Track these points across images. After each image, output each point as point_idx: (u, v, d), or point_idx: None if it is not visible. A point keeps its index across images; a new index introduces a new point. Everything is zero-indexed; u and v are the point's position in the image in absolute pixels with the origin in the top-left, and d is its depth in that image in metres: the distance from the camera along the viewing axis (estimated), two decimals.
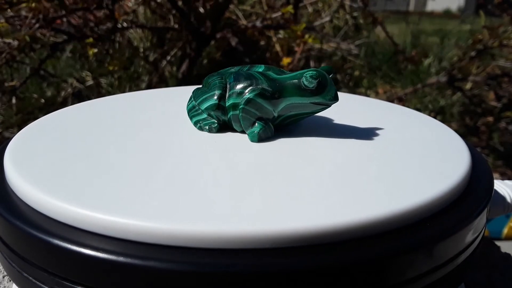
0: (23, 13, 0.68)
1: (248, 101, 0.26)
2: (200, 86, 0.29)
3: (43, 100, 0.93)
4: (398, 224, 0.18)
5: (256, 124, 0.26)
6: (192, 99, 0.29)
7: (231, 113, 0.26)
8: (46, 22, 0.67)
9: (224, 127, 0.28)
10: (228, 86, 0.27)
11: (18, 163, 0.22)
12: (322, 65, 1.15)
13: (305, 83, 0.25)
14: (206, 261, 0.16)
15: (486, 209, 0.22)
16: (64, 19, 0.75)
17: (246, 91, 0.26)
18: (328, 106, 0.26)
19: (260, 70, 0.27)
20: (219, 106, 0.27)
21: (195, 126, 0.28)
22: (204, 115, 0.28)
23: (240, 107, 0.26)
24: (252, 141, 0.26)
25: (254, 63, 0.29)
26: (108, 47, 0.81)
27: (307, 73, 0.25)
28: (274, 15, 0.93)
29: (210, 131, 0.27)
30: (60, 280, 0.18)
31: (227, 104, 0.26)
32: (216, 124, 0.27)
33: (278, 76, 0.26)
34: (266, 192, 0.20)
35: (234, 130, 0.27)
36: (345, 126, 0.29)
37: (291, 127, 0.28)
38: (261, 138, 0.26)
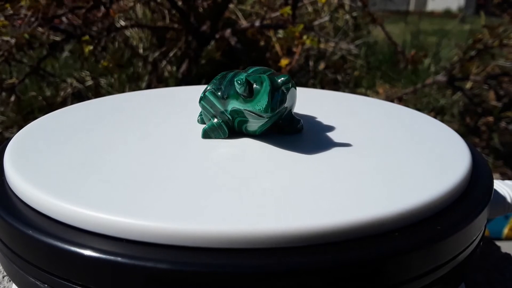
0: (23, 11, 0.68)
1: (203, 97, 0.26)
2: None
3: (41, 98, 0.93)
4: (398, 224, 0.18)
5: (210, 120, 0.26)
6: None
7: None
8: (45, 21, 0.67)
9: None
10: None
11: (18, 163, 0.22)
12: (321, 65, 1.15)
13: (235, 88, 0.23)
14: (206, 261, 0.16)
15: (486, 209, 0.22)
16: (63, 18, 0.76)
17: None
18: (262, 117, 0.23)
19: (249, 71, 0.26)
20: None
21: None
22: None
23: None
24: (201, 136, 0.26)
25: (253, 63, 0.29)
26: (104, 45, 0.81)
27: (237, 77, 0.23)
28: (273, 15, 0.93)
29: (198, 121, 0.29)
30: (60, 280, 0.18)
31: None
32: (201, 117, 0.28)
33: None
34: (265, 192, 0.20)
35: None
36: (344, 126, 0.29)
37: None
38: (208, 135, 0.26)
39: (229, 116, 0.25)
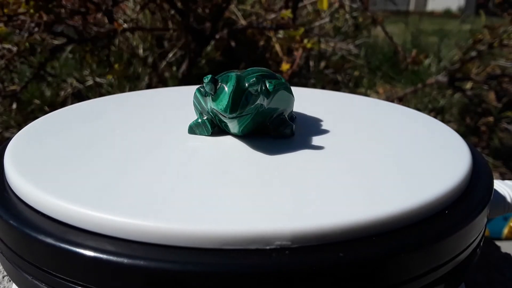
0: (22, 17, 0.67)
1: (194, 93, 0.26)
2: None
3: (42, 103, 0.93)
4: (398, 224, 0.18)
5: (197, 117, 0.27)
6: None
7: None
8: (45, 26, 0.67)
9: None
10: None
11: (18, 163, 0.22)
12: (322, 64, 1.15)
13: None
14: (206, 261, 0.16)
15: (486, 209, 0.22)
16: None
17: None
18: (225, 117, 0.23)
19: (244, 71, 0.26)
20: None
21: None
22: None
23: None
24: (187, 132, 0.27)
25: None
26: (107, 54, 0.80)
27: (205, 76, 0.23)
28: (273, 16, 0.93)
29: None
30: (60, 280, 0.18)
31: None
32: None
33: None
34: (264, 192, 0.20)
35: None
36: (344, 126, 0.29)
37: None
38: (193, 131, 0.26)
39: (211, 114, 0.26)
